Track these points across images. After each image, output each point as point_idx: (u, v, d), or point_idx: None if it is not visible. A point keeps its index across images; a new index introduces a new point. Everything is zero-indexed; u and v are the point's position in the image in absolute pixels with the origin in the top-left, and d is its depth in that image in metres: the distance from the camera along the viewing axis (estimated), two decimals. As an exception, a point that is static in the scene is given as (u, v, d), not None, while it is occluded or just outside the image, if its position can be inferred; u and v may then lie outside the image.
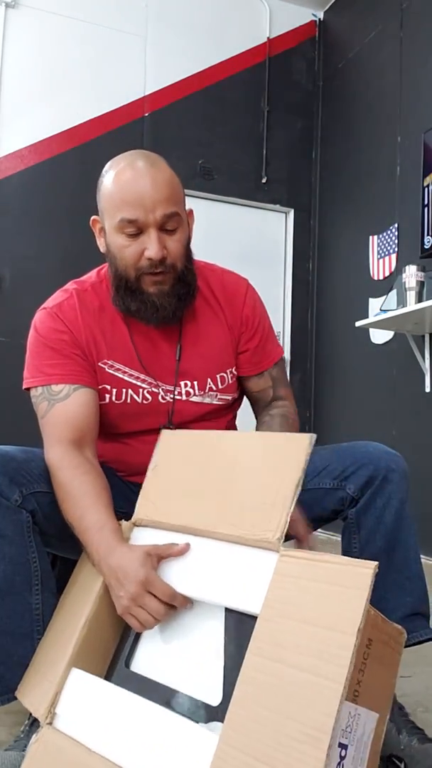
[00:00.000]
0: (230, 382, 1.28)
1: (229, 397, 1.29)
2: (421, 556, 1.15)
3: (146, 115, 3.84)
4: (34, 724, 1.08)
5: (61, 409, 1.13)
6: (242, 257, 3.88)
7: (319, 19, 4.34)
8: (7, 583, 1.01)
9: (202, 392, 1.24)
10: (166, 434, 1.14)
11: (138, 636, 1.00)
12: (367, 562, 0.80)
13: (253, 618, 0.83)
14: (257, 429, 1.28)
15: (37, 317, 1.22)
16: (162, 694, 0.90)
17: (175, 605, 0.92)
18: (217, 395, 1.26)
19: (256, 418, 1.33)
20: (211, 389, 1.25)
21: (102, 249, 1.20)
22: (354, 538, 1.13)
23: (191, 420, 1.25)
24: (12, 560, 1.01)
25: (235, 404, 1.35)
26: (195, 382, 1.23)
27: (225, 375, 1.27)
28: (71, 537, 1.15)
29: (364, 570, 0.79)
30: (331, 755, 0.71)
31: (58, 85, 3.66)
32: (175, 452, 1.10)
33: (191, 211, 1.22)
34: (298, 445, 0.93)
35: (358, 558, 1.09)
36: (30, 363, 1.19)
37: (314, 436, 0.91)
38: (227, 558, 0.91)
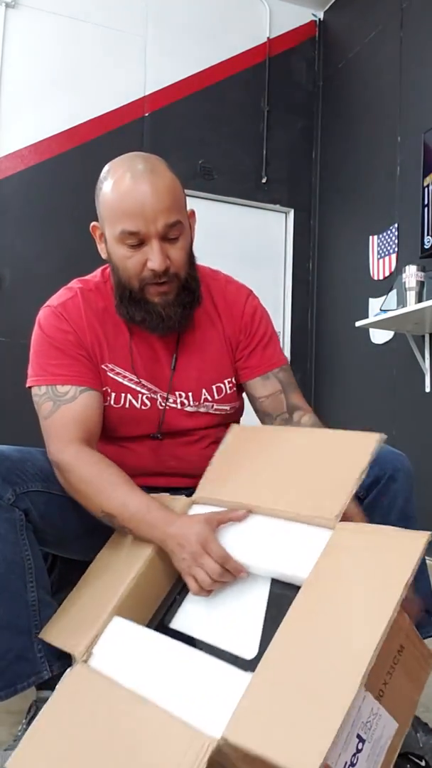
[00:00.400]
0: (228, 392, 1.26)
1: (227, 407, 1.27)
2: (421, 555, 1.15)
3: (146, 115, 3.84)
4: (31, 722, 1.08)
5: (68, 410, 1.13)
6: (242, 257, 3.88)
7: (319, 19, 4.34)
8: (2, 581, 1.02)
9: (197, 403, 1.23)
10: (235, 427, 1.16)
11: (181, 601, 1.03)
12: (421, 532, 0.82)
13: (298, 589, 0.84)
14: None
15: (41, 315, 1.21)
16: (197, 647, 0.92)
17: (228, 569, 0.94)
18: (213, 405, 1.24)
19: None
20: (206, 400, 1.24)
21: (103, 255, 1.18)
22: None
23: (183, 430, 1.24)
24: (5, 558, 1.02)
25: (233, 416, 1.32)
26: (189, 393, 1.22)
27: (222, 385, 1.25)
28: (67, 536, 1.15)
29: (417, 537, 0.81)
30: (354, 705, 0.72)
31: (58, 85, 3.66)
32: (241, 442, 1.13)
33: (193, 212, 1.21)
34: (366, 441, 0.96)
35: None
36: (34, 361, 1.18)
37: (384, 435, 0.94)
38: (283, 532, 0.93)
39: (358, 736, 0.82)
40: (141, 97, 3.83)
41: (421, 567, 1.12)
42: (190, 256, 1.18)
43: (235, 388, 1.29)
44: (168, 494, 1.14)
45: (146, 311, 1.14)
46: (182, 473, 1.27)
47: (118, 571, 1.05)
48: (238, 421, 1.32)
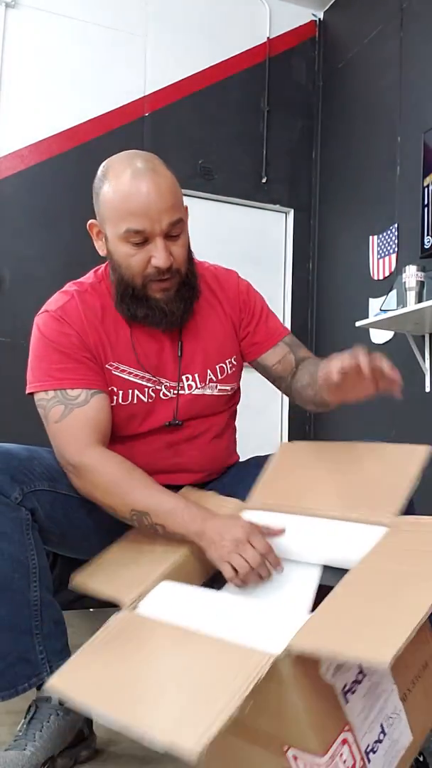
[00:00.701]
0: (229, 372, 1.29)
1: (229, 388, 1.30)
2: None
3: (146, 115, 3.84)
4: (31, 722, 1.08)
5: (82, 413, 1.13)
6: (242, 257, 3.87)
7: (319, 19, 4.34)
8: (6, 580, 1.02)
9: (203, 384, 1.26)
10: (285, 444, 1.20)
11: (221, 586, 1.03)
12: None
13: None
14: (294, 388, 1.27)
15: (40, 320, 1.21)
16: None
17: (269, 561, 0.95)
18: (217, 386, 1.27)
19: (287, 389, 1.31)
20: (211, 380, 1.27)
21: (101, 252, 1.20)
22: None
23: (195, 415, 1.26)
24: (10, 557, 1.02)
25: (235, 397, 1.36)
26: (196, 375, 1.25)
27: (224, 365, 1.28)
28: (72, 535, 1.16)
29: None
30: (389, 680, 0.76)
31: (58, 85, 3.66)
32: (291, 456, 1.16)
33: (186, 208, 1.22)
34: (416, 454, 1.00)
35: None
36: (36, 366, 1.18)
37: (430, 448, 0.96)
38: (338, 528, 0.95)
39: (381, 726, 0.84)
40: (141, 97, 3.83)
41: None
42: (189, 252, 1.21)
43: (235, 368, 1.33)
44: (219, 495, 1.16)
45: (149, 307, 1.16)
46: (186, 469, 1.28)
47: (157, 552, 1.06)
48: (236, 404, 1.36)
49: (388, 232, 3.51)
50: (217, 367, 1.28)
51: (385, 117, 3.61)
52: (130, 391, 1.21)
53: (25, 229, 3.56)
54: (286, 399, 3.86)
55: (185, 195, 1.22)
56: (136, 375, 1.22)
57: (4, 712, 1.21)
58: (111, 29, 3.80)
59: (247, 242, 4.03)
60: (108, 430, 1.17)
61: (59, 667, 1.03)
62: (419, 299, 2.87)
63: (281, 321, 1.38)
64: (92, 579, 1.07)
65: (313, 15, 4.32)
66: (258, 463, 1.22)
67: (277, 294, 4.16)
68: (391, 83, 3.58)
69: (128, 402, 1.21)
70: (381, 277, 3.55)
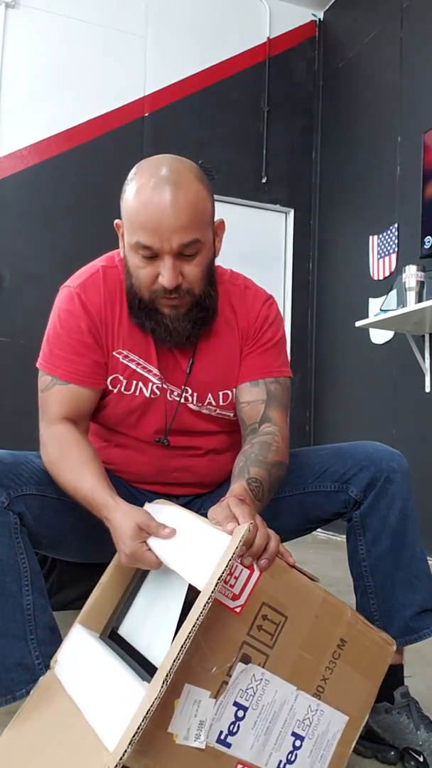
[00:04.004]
0: (233, 399, 1.23)
1: (230, 414, 1.24)
2: (422, 556, 1.15)
3: (146, 115, 3.84)
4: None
5: (60, 390, 1.15)
6: (242, 257, 3.86)
7: (319, 19, 4.34)
8: None
9: (200, 404, 1.22)
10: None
11: (128, 607, 1.06)
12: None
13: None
14: (236, 459, 1.13)
15: (59, 296, 1.20)
16: (132, 655, 0.96)
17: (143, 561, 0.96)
18: (216, 410, 1.23)
19: (243, 444, 1.17)
20: (210, 404, 1.22)
21: (122, 253, 1.15)
22: (360, 540, 1.13)
23: (192, 430, 1.23)
24: (0, 562, 1.02)
25: (236, 423, 1.26)
26: (195, 394, 1.21)
27: (229, 392, 1.23)
28: (63, 539, 1.15)
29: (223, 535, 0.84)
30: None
31: (58, 85, 3.66)
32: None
33: (221, 223, 1.16)
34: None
35: (365, 560, 1.11)
36: (45, 344, 1.19)
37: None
38: (205, 539, 0.92)
39: (295, 734, 0.85)
40: (141, 97, 3.84)
41: (421, 568, 1.12)
42: (208, 273, 1.12)
43: None
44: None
45: (156, 322, 1.12)
46: (182, 482, 1.26)
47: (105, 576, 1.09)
48: (239, 428, 1.28)
49: (388, 232, 3.51)
50: (220, 393, 1.22)
51: (385, 117, 3.62)
52: (135, 382, 1.18)
53: (25, 229, 3.56)
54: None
55: (213, 206, 1.15)
56: (144, 367, 1.18)
57: (4, 712, 1.21)
58: (111, 29, 3.80)
59: (247, 242, 4.03)
60: (85, 412, 1.17)
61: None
62: (419, 299, 2.87)
63: (285, 361, 1.25)
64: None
65: (313, 15, 4.32)
66: None
67: (277, 294, 4.16)
68: (391, 83, 3.58)
69: (131, 392, 1.19)
70: (381, 277, 3.55)
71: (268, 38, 4.15)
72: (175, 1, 3.96)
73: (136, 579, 1.07)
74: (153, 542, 0.95)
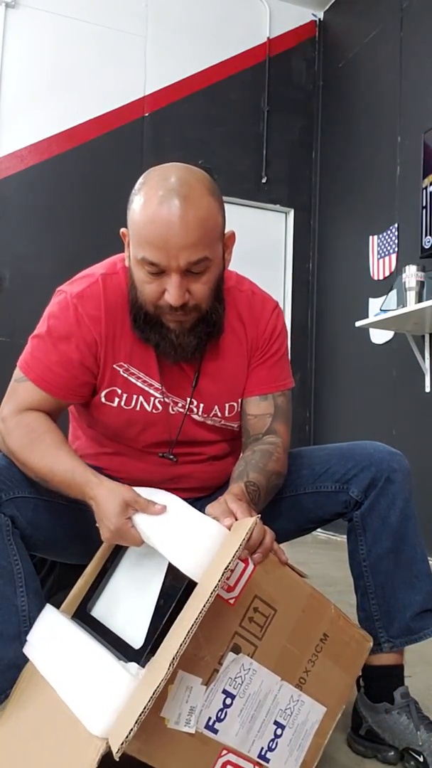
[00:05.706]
0: (237, 410, 1.22)
1: (234, 425, 1.23)
2: (422, 556, 1.15)
3: (146, 115, 3.84)
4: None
5: (32, 390, 1.12)
6: (242, 257, 3.84)
7: (319, 19, 4.34)
8: None
9: (206, 415, 1.19)
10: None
11: (103, 587, 1.07)
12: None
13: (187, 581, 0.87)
14: (236, 463, 1.16)
15: (54, 301, 1.15)
16: (105, 636, 0.97)
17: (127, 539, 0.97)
18: (221, 421, 1.21)
19: (243, 451, 1.20)
20: (215, 415, 1.20)
21: (127, 263, 1.12)
22: (360, 540, 1.13)
23: (195, 440, 1.21)
24: None
25: (239, 434, 1.27)
26: (201, 405, 1.19)
27: (235, 404, 1.21)
28: (57, 540, 1.15)
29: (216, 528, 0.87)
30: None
31: (58, 85, 3.66)
32: None
33: (232, 235, 1.12)
34: None
35: (365, 560, 1.11)
36: (28, 344, 1.15)
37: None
38: (191, 525, 0.93)
39: (276, 723, 0.89)
40: (141, 97, 3.84)
41: (422, 568, 1.12)
42: (216, 289, 1.08)
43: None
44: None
45: (161, 336, 1.08)
46: (181, 487, 1.25)
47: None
48: (240, 436, 1.26)
49: (388, 232, 3.51)
50: (227, 405, 1.20)
51: (385, 117, 3.62)
52: (135, 396, 1.15)
53: (25, 229, 3.56)
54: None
55: (224, 218, 1.10)
56: (145, 381, 1.15)
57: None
58: (111, 29, 3.80)
59: (247, 242, 4.00)
60: (54, 413, 1.14)
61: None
62: (419, 299, 2.87)
63: (290, 371, 1.26)
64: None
65: (313, 15, 4.32)
66: None
67: (277, 294, 4.16)
68: (391, 83, 3.58)
69: (131, 407, 1.16)
70: (381, 277, 3.55)
71: (268, 38, 4.15)
72: (175, 1, 3.96)
73: (110, 561, 1.08)
74: (139, 520, 0.95)
